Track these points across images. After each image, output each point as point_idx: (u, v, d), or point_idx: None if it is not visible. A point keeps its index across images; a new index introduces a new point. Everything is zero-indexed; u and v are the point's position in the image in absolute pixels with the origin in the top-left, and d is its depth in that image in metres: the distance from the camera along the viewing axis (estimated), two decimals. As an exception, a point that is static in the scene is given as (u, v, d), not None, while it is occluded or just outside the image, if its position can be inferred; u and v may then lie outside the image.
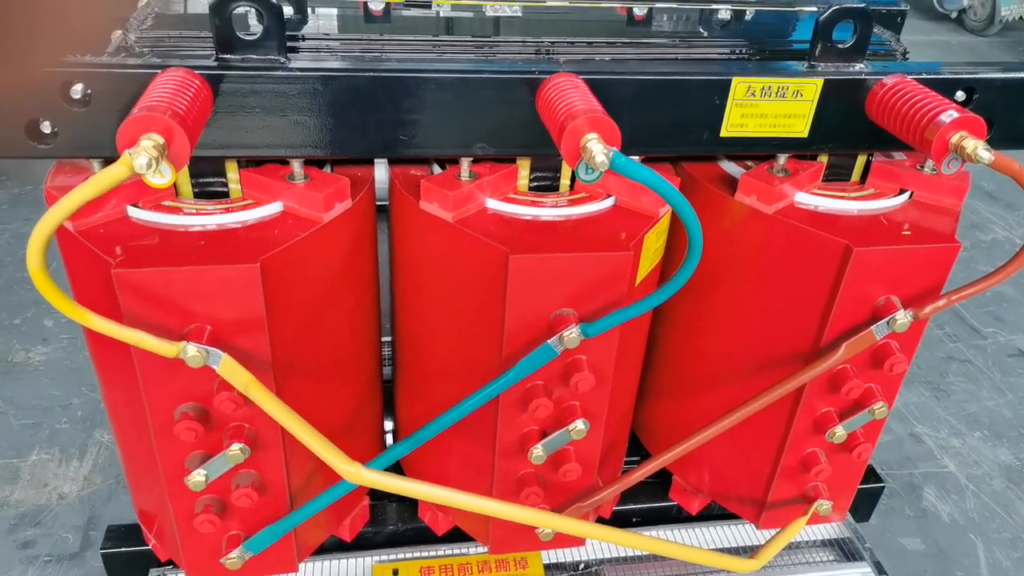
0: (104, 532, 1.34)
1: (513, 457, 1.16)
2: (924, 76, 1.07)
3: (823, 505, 1.29)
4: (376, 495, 1.44)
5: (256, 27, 0.94)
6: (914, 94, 1.00)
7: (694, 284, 1.27)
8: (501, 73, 0.97)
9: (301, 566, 1.35)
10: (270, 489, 1.12)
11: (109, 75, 0.90)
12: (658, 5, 1.34)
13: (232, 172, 1.04)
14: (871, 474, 1.59)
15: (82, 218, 0.98)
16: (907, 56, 1.24)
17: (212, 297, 0.94)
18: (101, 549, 1.32)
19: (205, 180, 1.04)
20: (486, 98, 0.97)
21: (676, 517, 1.48)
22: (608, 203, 1.11)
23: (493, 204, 1.08)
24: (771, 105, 1.05)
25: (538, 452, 1.13)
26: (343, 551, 1.38)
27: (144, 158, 0.76)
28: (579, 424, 1.11)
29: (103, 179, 0.78)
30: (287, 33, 0.98)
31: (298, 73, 0.93)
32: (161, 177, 0.82)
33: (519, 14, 1.37)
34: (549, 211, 1.08)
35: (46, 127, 0.92)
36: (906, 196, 1.18)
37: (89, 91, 0.90)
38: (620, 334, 1.11)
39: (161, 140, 0.79)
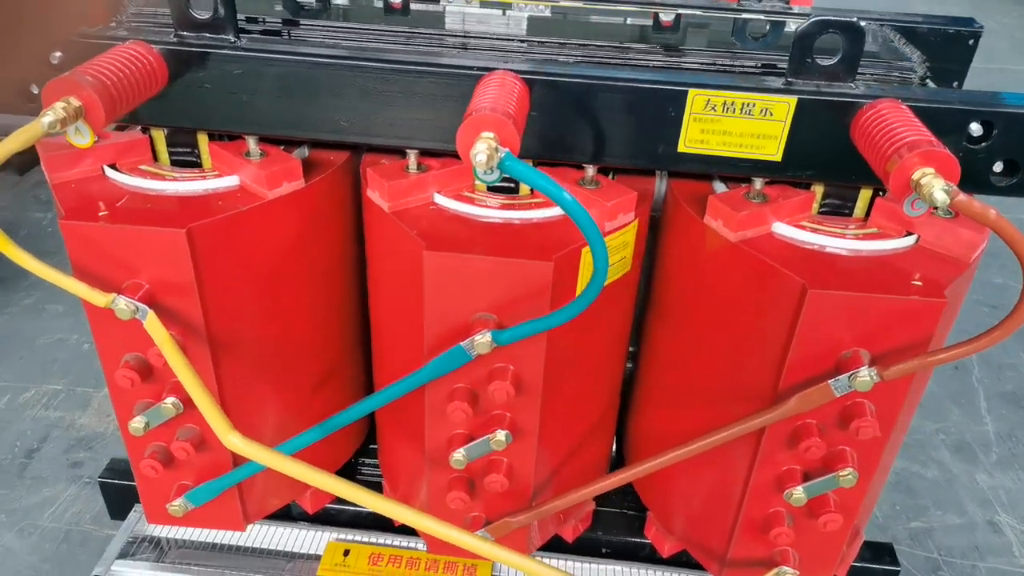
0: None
1: (440, 460, 1.14)
2: (928, 104, 0.93)
3: (786, 573, 1.16)
4: (350, 477, 1.47)
5: (220, 9, 0.99)
6: (893, 122, 0.88)
7: (670, 307, 1.19)
8: (425, 66, 0.96)
9: (258, 528, 1.42)
10: (210, 446, 1.17)
11: (79, 44, 0.98)
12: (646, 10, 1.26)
13: (203, 144, 1.11)
14: (886, 553, 1.40)
15: (60, 171, 1.07)
16: (926, 81, 1.08)
17: (146, 257, 1.01)
18: (99, 477, 1.45)
19: (180, 149, 1.12)
20: (407, 90, 0.97)
21: (646, 556, 1.39)
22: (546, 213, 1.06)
23: (440, 199, 1.07)
24: (736, 122, 0.96)
25: (458, 456, 1.10)
26: (306, 522, 1.42)
27: (50, 118, 0.83)
28: (499, 435, 1.07)
29: (23, 134, 0.85)
30: (288, 18, 1.03)
31: (242, 53, 0.98)
32: (81, 137, 0.89)
33: (546, 13, 1.35)
34: (495, 212, 1.05)
35: (34, 89, 1.03)
36: (911, 241, 1.03)
37: (63, 58, 0.99)
38: (560, 348, 1.07)
39: (77, 104, 0.85)
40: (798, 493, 1.07)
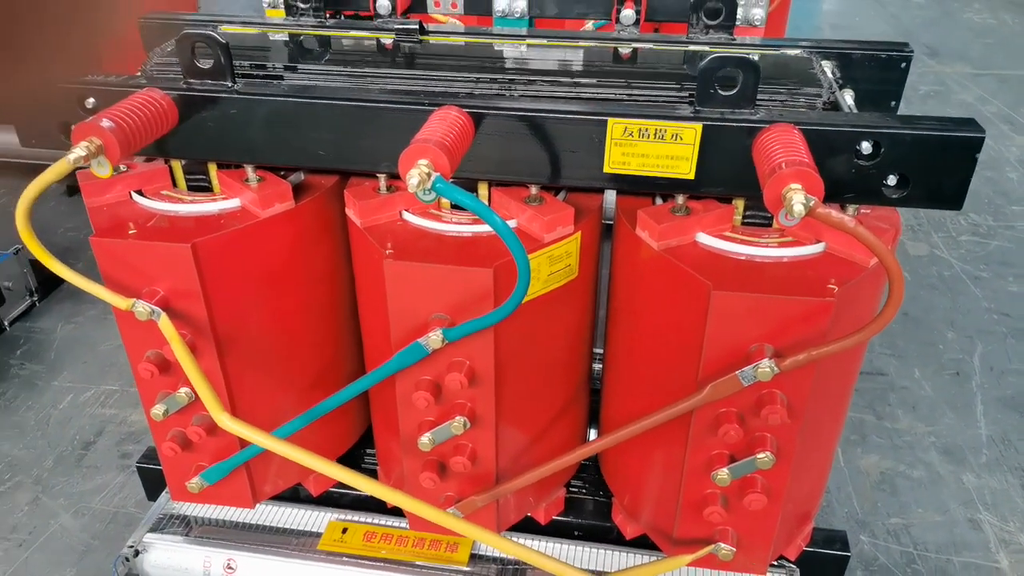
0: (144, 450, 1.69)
1: (412, 445, 1.30)
2: (819, 127, 1.06)
3: (722, 549, 1.28)
4: (352, 463, 1.65)
5: (220, 59, 1.18)
6: (775, 144, 1.01)
7: (618, 307, 1.34)
8: (385, 104, 1.13)
9: (269, 509, 1.60)
10: (219, 430, 1.36)
11: (107, 92, 1.19)
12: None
13: (213, 172, 1.31)
14: (838, 540, 1.50)
15: (95, 196, 1.29)
16: (829, 106, 1.19)
17: (159, 267, 1.21)
18: (136, 463, 1.66)
19: (195, 176, 1.32)
20: (371, 124, 1.14)
21: (614, 539, 1.52)
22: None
23: (408, 216, 1.24)
24: (651, 146, 1.10)
25: (424, 440, 1.26)
26: (311, 504, 1.60)
27: (75, 155, 1.03)
28: (457, 420, 1.23)
29: (56, 169, 1.06)
30: (286, 64, 1.21)
31: (237, 96, 1.17)
32: (102, 169, 1.09)
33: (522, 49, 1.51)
34: (453, 227, 1.21)
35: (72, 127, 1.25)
36: (819, 248, 1.15)
37: (96, 103, 1.20)
38: (514, 344, 1.22)
39: (98, 142, 1.05)
40: (723, 474, 1.19)
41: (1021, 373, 2.34)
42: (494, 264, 1.13)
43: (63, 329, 2.57)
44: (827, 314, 1.06)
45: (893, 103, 1.41)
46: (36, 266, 2.66)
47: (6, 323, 2.55)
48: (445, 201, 1.26)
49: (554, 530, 1.54)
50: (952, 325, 2.56)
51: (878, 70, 1.38)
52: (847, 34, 5.39)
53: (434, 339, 1.15)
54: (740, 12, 1.46)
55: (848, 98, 1.36)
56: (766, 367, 1.08)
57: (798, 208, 0.91)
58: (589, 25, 1.78)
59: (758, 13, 1.45)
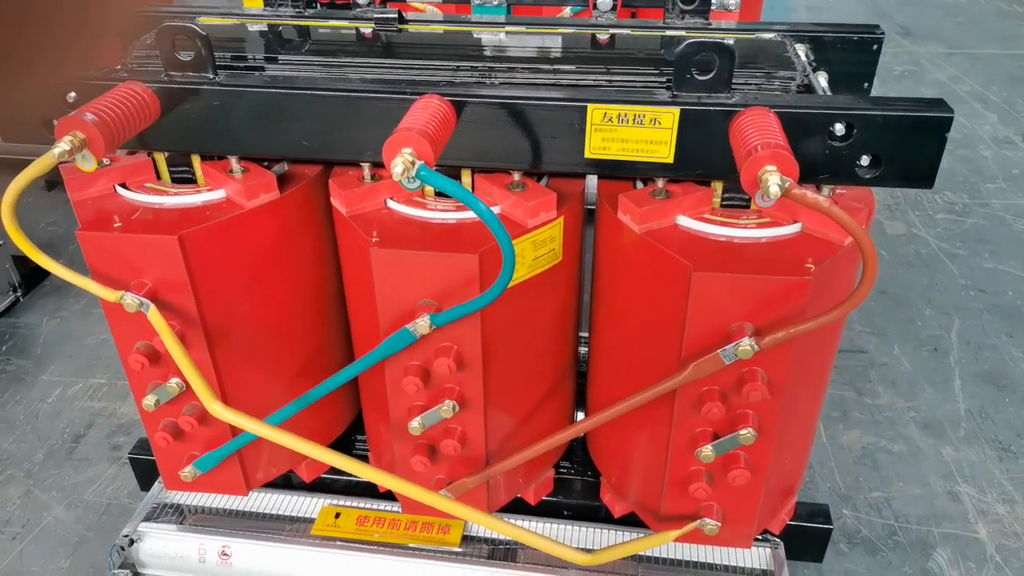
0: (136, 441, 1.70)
1: (403, 429, 1.32)
2: (793, 110, 1.08)
3: (707, 524, 1.31)
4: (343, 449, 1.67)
5: (200, 51, 1.19)
6: (751, 127, 1.03)
7: (602, 291, 1.36)
8: (366, 93, 1.14)
9: (263, 496, 1.62)
10: (210, 420, 1.38)
11: (88, 85, 1.20)
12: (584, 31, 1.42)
13: (196, 164, 1.31)
14: (820, 514, 1.54)
15: (79, 190, 1.29)
16: (803, 88, 1.22)
17: (147, 259, 1.22)
18: (129, 454, 1.67)
19: (178, 169, 1.32)
20: (352, 114, 1.15)
21: (602, 518, 1.55)
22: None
23: (392, 204, 1.25)
24: (630, 131, 1.12)
25: (415, 424, 1.28)
26: (304, 490, 1.62)
27: (60, 149, 1.04)
28: (446, 404, 1.25)
29: (40, 163, 1.06)
30: (267, 55, 1.21)
31: (219, 88, 1.18)
32: (87, 162, 1.10)
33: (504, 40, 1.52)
34: (438, 214, 1.23)
35: (55, 122, 1.25)
36: (796, 228, 1.17)
37: (77, 97, 1.21)
38: (500, 328, 1.24)
39: (82, 136, 1.06)
40: (706, 451, 1.22)
41: (997, 348, 2.39)
42: (479, 250, 1.15)
43: (48, 324, 2.57)
44: (805, 292, 1.09)
45: (866, 84, 1.43)
46: (19, 261, 2.64)
47: (-10, 319, 2.55)
48: (429, 189, 1.28)
49: (544, 510, 1.57)
50: (930, 302, 2.61)
51: (851, 52, 1.41)
52: (822, 16, 5.42)
53: (422, 325, 1.17)
54: (716, -3, 1.48)
55: (822, 80, 1.38)
56: (746, 345, 1.10)
57: (774, 189, 0.93)
58: (567, 11, 1.79)
59: (733, -3, 1.47)
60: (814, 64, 1.41)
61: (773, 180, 0.94)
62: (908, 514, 1.85)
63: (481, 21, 1.56)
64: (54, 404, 2.24)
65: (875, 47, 1.39)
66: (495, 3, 1.57)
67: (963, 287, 2.68)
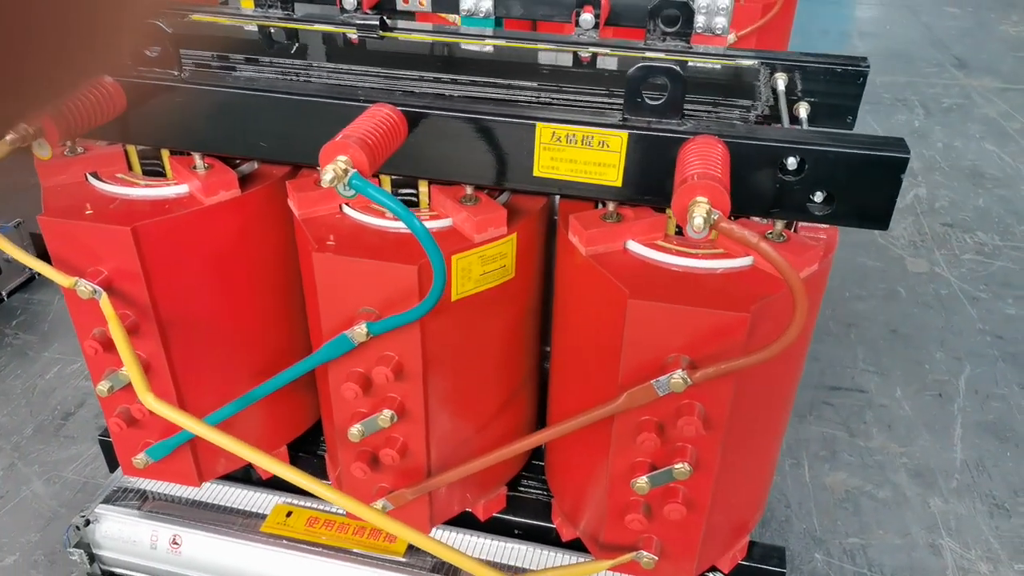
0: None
1: (343, 435, 1.32)
2: (742, 140, 1.05)
3: (643, 556, 1.28)
4: (310, 453, 1.68)
5: (166, 48, 1.21)
6: (692, 156, 1.00)
7: (559, 309, 1.34)
8: (318, 98, 1.15)
9: (221, 488, 1.64)
10: (163, 411, 1.40)
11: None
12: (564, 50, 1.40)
13: (165, 157, 1.34)
14: (775, 556, 1.49)
15: (50, 177, 1.32)
16: (761, 119, 1.18)
17: (102, 248, 1.24)
18: (99, 436, 1.71)
19: (149, 161, 1.35)
20: (306, 117, 1.16)
21: (553, 540, 1.52)
22: (441, 223, 1.22)
23: (347, 210, 1.25)
24: (579, 152, 1.11)
25: (354, 431, 1.28)
26: (261, 486, 1.63)
27: (12, 136, 1.07)
28: (384, 413, 1.25)
29: (-3, 148, 1.10)
30: (246, 56, 1.24)
31: (183, 85, 1.19)
32: (43, 150, 1.13)
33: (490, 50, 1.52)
34: (389, 223, 1.23)
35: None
36: (747, 261, 1.14)
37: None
38: (447, 341, 1.23)
39: (35, 124, 1.09)
40: (641, 482, 1.19)
41: (1006, 398, 2.29)
42: (419, 261, 1.14)
43: (59, 303, 2.64)
44: (743, 328, 1.06)
45: (849, 118, 1.39)
46: (37, 239, 2.72)
47: (4, 294, 2.63)
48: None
49: (494, 527, 1.55)
50: (942, 345, 2.51)
51: (835, 84, 1.37)
52: (875, 42, 5.30)
53: (359, 332, 1.17)
54: (702, 20, 1.45)
55: (802, 112, 1.35)
56: (678, 378, 1.07)
57: (698, 221, 0.91)
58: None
59: (720, 22, 1.44)
60: (799, 95, 1.38)
61: (699, 212, 0.91)
62: (883, 564, 1.78)
63: (467, 33, 1.56)
64: (51, 381, 2.30)
65: (860, 80, 1.35)
66: (482, 15, 1.57)
67: (980, 331, 2.58)
